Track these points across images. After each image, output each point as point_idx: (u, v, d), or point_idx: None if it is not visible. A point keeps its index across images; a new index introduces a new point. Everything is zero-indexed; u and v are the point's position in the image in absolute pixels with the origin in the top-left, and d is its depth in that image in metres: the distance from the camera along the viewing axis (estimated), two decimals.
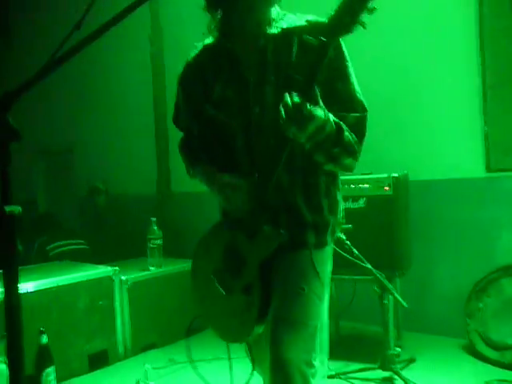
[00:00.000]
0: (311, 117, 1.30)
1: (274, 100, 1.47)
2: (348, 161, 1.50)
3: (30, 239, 4.57)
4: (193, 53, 1.67)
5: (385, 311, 2.84)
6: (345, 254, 2.75)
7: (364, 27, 1.20)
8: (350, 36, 1.24)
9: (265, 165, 1.45)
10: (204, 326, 2.06)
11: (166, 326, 3.72)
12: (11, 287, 0.96)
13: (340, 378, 2.86)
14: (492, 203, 3.35)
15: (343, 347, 3.35)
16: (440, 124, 3.54)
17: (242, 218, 1.52)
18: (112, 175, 5.80)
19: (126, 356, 3.49)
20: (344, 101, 1.50)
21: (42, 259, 4.27)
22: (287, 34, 1.51)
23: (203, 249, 1.71)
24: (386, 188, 3.07)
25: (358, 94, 1.53)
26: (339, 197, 1.66)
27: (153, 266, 3.80)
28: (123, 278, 3.50)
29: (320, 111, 1.34)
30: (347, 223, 2.89)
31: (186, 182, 1.87)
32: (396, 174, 3.09)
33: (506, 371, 2.86)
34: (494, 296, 3.12)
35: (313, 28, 1.46)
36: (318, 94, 1.43)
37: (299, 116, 1.28)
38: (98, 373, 3.25)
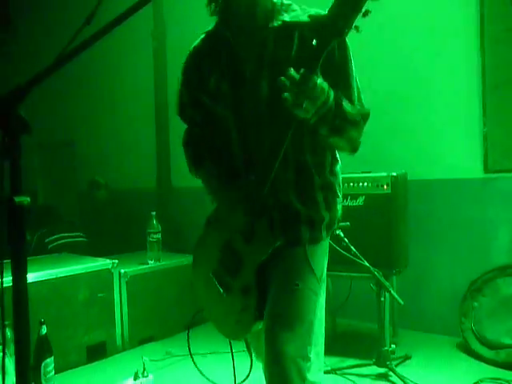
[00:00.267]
0: (319, 87, 1.23)
1: (269, 95, 1.45)
2: (352, 132, 1.46)
3: (29, 231, 4.59)
4: (195, 42, 1.64)
5: (381, 308, 2.88)
6: (343, 252, 2.78)
7: (358, 31, 1.15)
8: (351, 36, 1.21)
9: (262, 162, 1.43)
10: (201, 321, 2.08)
11: (163, 320, 3.75)
12: (20, 276, 0.98)
13: (335, 374, 2.89)
14: (489, 203, 3.38)
15: (339, 343, 3.38)
16: (439, 124, 3.56)
17: (239, 219, 1.53)
18: (112, 169, 5.82)
19: (124, 348, 3.52)
20: None
21: (41, 251, 4.28)
22: (288, 27, 1.46)
23: (202, 247, 1.72)
24: (385, 187, 3.10)
25: (356, 102, 1.50)
26: (338, 191, 1.63)
27: (152, 259, 3.83)
28: (122, 271, 3.53)
29: (321, 80, 1.27)
30: (345, 221, 2.91)
31: (187, 177, 1.88)
32: (395, 173, 3.11)
33: (500, 370, 2.89)
34: (490, 295, 3.15)
35: (314, 24, 1.41)
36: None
37: (308, 87, 1.20)
38: (96, 364, 3.27)
